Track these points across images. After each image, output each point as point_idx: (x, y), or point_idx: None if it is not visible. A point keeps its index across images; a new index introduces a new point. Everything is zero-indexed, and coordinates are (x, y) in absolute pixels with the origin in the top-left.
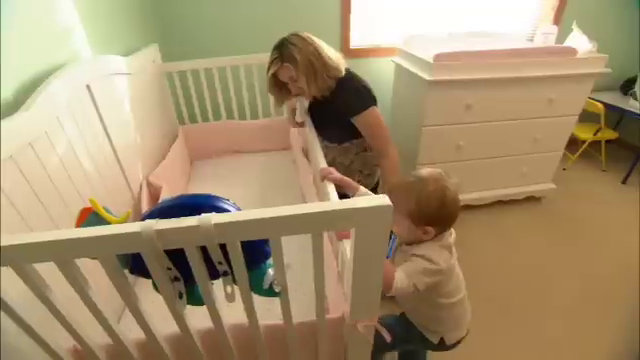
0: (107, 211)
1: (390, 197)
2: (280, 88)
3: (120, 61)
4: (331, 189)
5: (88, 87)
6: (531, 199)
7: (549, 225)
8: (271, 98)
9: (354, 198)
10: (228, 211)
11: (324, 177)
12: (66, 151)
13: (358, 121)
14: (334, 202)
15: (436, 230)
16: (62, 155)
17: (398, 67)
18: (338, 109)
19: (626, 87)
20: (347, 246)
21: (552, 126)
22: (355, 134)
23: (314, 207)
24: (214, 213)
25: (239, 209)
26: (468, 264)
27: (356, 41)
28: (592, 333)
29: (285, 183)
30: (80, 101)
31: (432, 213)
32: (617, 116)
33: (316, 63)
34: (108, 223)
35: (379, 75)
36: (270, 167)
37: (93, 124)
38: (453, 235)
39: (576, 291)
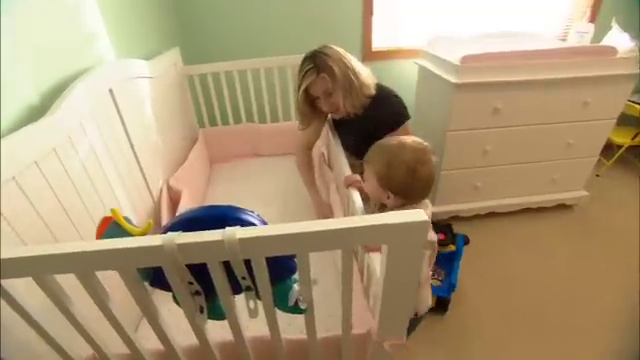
0: (128, 221)
1: (370, 151)
2: (310, 106)
3: (142, 65)
4: (356, 197)
5: (111, 91)
6: (562, 207)
7: (581, 234)
8: (297, 117)
9: (387, 213)
10: (253, 224)
11: (349, 185)
12: (88, 156)
13: (400, 132)
14: (366, 217)
15: (400, 200)
16: (84, 160)
17: (422, 69)
18: (380, 122)
19: None
20: (376, 261)
21: (587, 130)
22: None
23: (344, 222)
24: (238, 227)
25: (264, 222)
26: (495, 274)
27: (378, 43)
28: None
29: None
30: (103, 105)
31: (398, 181)
32: None
33: (352, 76)
34: (129, 234)
35: (401, 78)
36: (291, 171)
37: (115, 128)
38: (429, 210)
39: (610, 305)
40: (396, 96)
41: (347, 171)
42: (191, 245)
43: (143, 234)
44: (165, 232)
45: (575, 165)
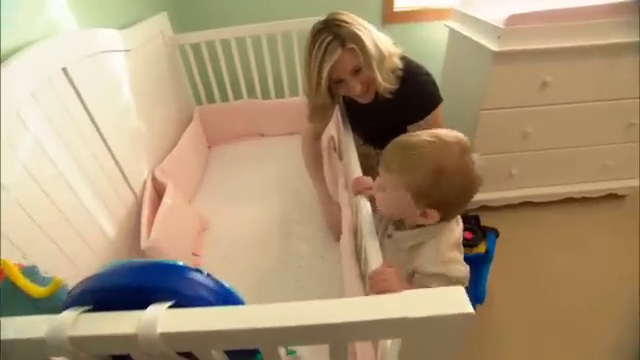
0: (32, 273)
1: (390, 154)
2: (330, 93)
3: (113, 35)
4: (364, 205)
5: (65, 70)
6: (611, 197)
7: (633, 230)
8: (309, 108)
9: (406, 293)
10: (198, 300)
11: (359, 192)
12: (32, 155)
13: (431, 118)
14: (369, 304)
15: (437, 216)
16: (27, 161)
17: (453, 34)
18: (409, 106)
19: None
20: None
21: None
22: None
23: (334, 311)
24: (167, 309)
25: (220, 291)
26: (528, 275)
27: (401, 1)
28: None
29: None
30: (53, 89)
31: (448, 193)
32: None
33: (380, 44)
34: (26, 295)
35: (428, 44)
36: (297, 153)
37: (74, 117)
38: (460, 226)
39: None
40: (427, 74)
41: (357, 169)
42: (88, 340)
43: (48, 295)
44: (66, 306)
45: (635, 149)
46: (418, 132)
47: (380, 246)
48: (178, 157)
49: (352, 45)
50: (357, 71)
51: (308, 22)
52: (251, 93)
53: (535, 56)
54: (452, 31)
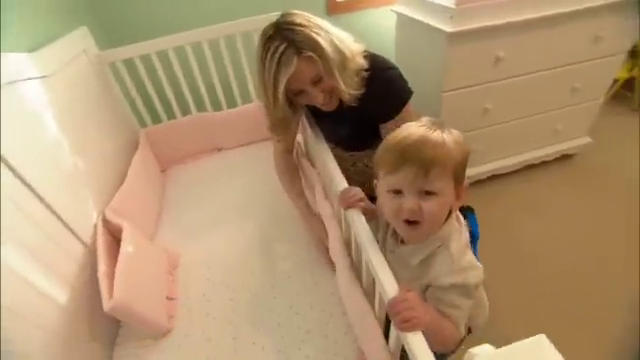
0: None
1: (427, 152)
2: (290, 106)
3: (22, 61)
4: (359, 218)
5: None
6: (564, 157)
7: (587, 186)
8: (269, 127)
9: None
10: None
11: (349, 206)
12: None
13: (404, 113)
14: None
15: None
16: None
17: (402, 19)
18: (381, 104)
19: None
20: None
21: (595, 70)
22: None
23: None
24: None
25: None
26: (500, 240)
27: None
28: None
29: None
30: None
31: (464, 160)
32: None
33: (340, 46)
34: None
35: (376, 31)
36: (262, 163)
37: None
38: (463, 222)
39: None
40: (393, 67)
41: (341, 180)
42: None
43: None
44: None
45: (580, 111)
46: (403, 127)
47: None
48: (129, 190)
49: (309, 53)
50: (318, 80)
51: (253, 22)
52: (200, 106)
53: (488, 33)
54: (400, 16)
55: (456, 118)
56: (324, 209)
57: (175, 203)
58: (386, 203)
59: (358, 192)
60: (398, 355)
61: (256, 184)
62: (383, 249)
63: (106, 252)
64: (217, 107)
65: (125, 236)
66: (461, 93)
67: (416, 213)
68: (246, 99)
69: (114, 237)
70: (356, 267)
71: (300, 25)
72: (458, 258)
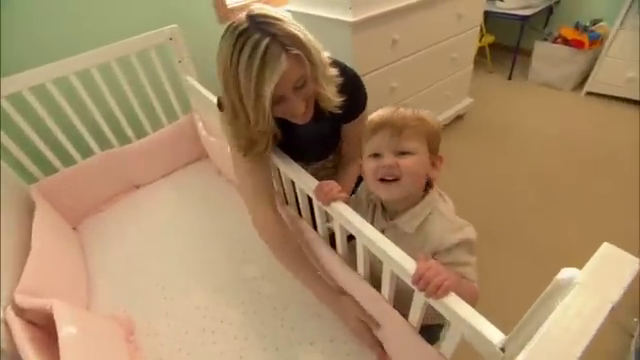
0: None
1: (405, 115)
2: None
3: None
4: (345, 209)
5: None
6: (457, 118)
7: (479, 133)
8: (241, 149)
9: None
10: None
11: (330, 200)
12: None
13: (361, 117)
14: None
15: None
16: None
17: (297, 17)
18: (351, 111)
19: None
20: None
21: (463, 41)
22: None
23: None
24: None
25: None
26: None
27: None
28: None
29: (223, 205)
30: None
31: (441, 133)
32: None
33: (318, 47)
34: None
35: None
36: (191, 189)
37: None
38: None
39: (537, 191)
40: (357, 76)
41: (314, 181)
42: None
43: None
44: None
45: (460, 77)
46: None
47: None
48: (40, 263)
49: (296, 50)
50: (300, 85)
51: (149, 38)
52: (103, 143)
53: (384, 19)
54: (295, 14)
55: (369, 101)
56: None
57: (101, 261)
58: (367, 168)
59: (333, 184)
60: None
61: (192, 213)
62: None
63: (36, 349)
64: (123, 139)
65: (59, 315)
66: (369, 77)
67: (394, 169)
68: (155, 124)
69: (37, 326)
70: (348, 257)
71: (278, 19)
72: (453, 218)
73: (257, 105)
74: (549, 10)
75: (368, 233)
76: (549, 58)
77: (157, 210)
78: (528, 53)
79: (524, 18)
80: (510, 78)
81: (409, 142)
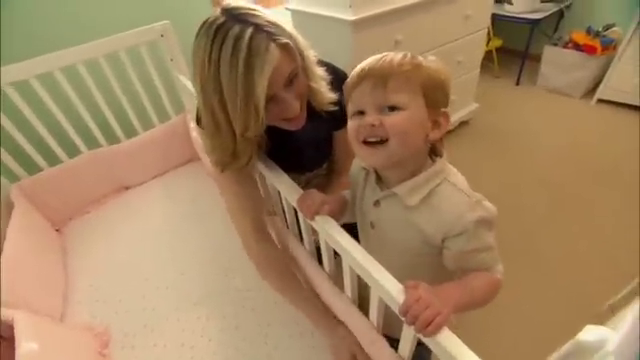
0: None
1: (396, 59)
2: None
3: None
4: (330, 226)
5: None
6: (462, 124)
7: (484, 139)
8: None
9: None
10: None
11: (314, 213)
12: None
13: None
14: None
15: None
16: None
17: (297, 15)
18: (341, 114)
19: None
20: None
21: (470, 44)
22: None
23: None
24: None
25: None
26: None
27: None
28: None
29: (212, 211)
30: None
31: (446, 81)
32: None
33: (304, 42)
34: None
35: None
36: (182, 194)
37: None
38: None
39: (538, 195)
40: (342, 70)
41: (295, 187)
42: None
43: None
44: None
45: (466, 81)
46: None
47: (362, 232)
48: (11, 269)
49: (285, 39)
50: (291, 80)
51: (139, 34)
52: (90, 142)
53: (386, 18)
54: (295, 13)
55: None
56: (301, 256)
57: (84, 266)
58: (349, 129)
59: (315, 195)
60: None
61: (179, 219)
62: (365, 216)
63: None
64: (112, 138)
65: (21, 329)
66: None
67: (377, 129)
68: (146, 123)
69: (2, 338)
70: (333, 275)
71: (256, 9)
72: (467, 189)
73: (247, 107)
74: (560, 14)
75: (354, 252)
76: (559, 63)
77: (145, 213)
78: (537, 58)
79: (534, 22)
80: (518, 83)
81: (397, 94)
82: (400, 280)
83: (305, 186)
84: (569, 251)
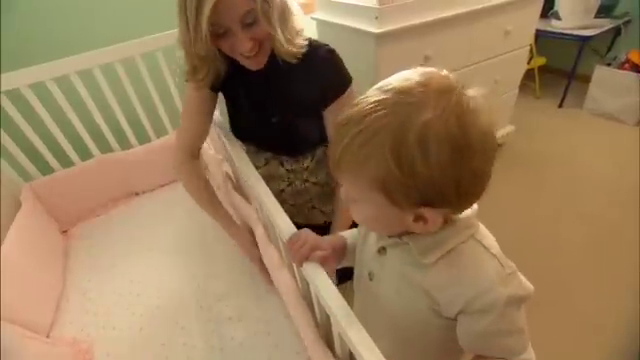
0: None
1: (342, 141)
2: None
3: None
4: (320, 279)
5: None
6: None
7: (521, 169)
8: (186, 66)
9: None
10: None
11: (302, 259)
12: None
13: (340, 103)
14: None
15: (450, 211)
16: None
17: (322, 25)
18: (319, 90)
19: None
20: None
21: (509, 62)
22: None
23: None
24: None
25: None
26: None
27: None
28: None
29: (215, 225)
30: None
31: (434, 172)
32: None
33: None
34: None
35: None
36: (188, 204)
37: None
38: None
39: (580, 232)
40: (332, 50)
41: (284, 226)
42: None
43: None
44: None
45: (502, 102)
46: (367, 93)
47: (357, 282)
48: (5, 272)
49: None
50: (250, 23)
51: (155, 41)
52: (103, 147)
53: (414, 32)
54: (321, 23)
55: None
56: (269, 257)
57: (84, 272)
58: None
59: (309, 237)
60: None
61: (183, 229)
62: (364, 263)
63: None
64: (125, 144)
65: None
66: None
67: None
68: (160, 131)
69: None
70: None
71: None
72: (502, 257)
73: (196, 23)
74: (616, 31)
75: (342, 321)
76: (612, 86)
77: (151, 221)
78: (585, 79)
79: (585, 39)
80: (561, 106)
81: (347, 184)
82: (394, 355)
83: (287, 186)
84: (614, 303)
